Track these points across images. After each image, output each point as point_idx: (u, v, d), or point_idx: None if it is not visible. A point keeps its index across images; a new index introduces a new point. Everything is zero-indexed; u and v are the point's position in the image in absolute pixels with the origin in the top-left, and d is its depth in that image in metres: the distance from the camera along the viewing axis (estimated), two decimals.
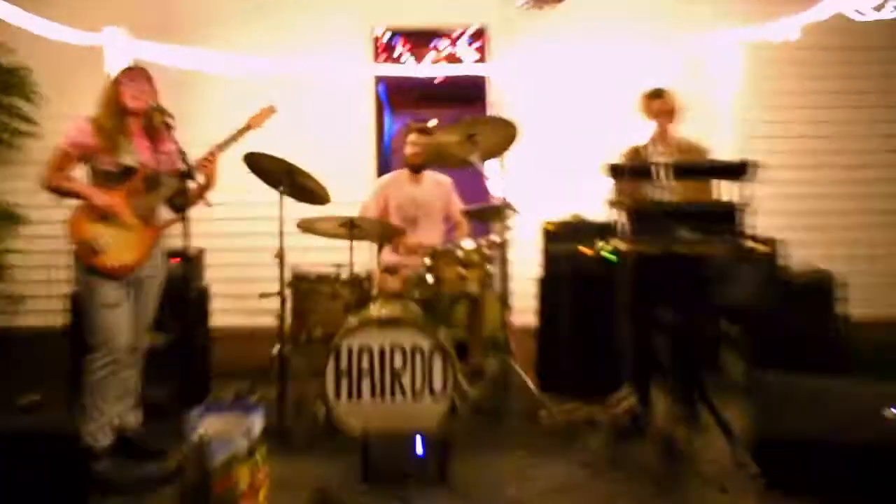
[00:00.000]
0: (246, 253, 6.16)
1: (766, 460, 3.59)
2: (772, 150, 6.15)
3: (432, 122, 7.49)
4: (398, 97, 11.36)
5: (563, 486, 3.68)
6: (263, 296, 4.78)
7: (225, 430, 3.21)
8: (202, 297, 5.38)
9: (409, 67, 6.92)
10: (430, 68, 6.85)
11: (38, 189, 3.99)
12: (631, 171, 3.94)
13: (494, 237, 4.65)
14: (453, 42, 8.36)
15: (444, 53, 7.95)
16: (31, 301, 6.34)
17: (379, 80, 7.05)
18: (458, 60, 6.98)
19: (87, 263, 3.96)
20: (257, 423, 3.31)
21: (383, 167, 7.15)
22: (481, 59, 6.81)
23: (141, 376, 4.28)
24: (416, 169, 5.35)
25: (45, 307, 6.09)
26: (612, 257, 3.90)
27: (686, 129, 4.65)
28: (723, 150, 5.53)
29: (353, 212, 5.27)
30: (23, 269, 6.36)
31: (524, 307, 5.41)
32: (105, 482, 3.81)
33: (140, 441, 4.17)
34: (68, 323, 4.94)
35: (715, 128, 5.79)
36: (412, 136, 5.35)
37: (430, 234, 5.30)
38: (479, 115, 6.55)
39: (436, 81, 7.04)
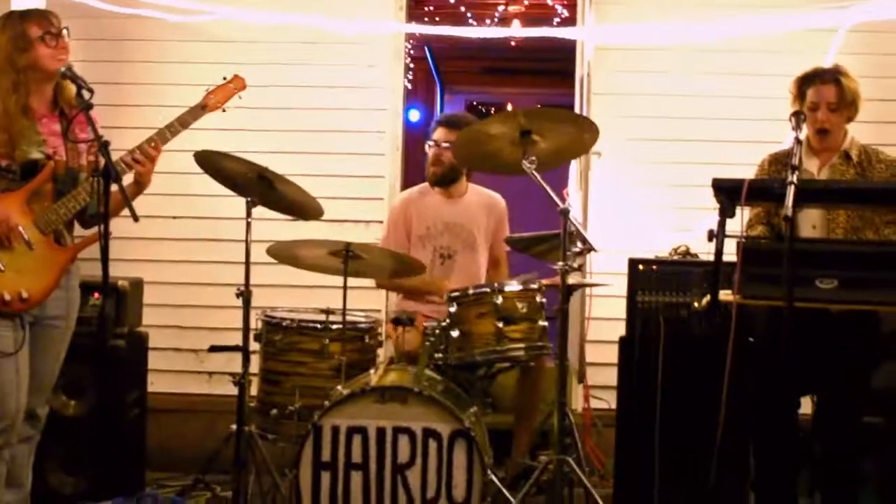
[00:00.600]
0: (198, 289, 6.34)
1: None
2: None
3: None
4: (455, 69, 11.53)
5: None
6: (215, 350, 4.95)
7: None
8: (135, 350, 5.52)
9: (453, 28, 7.00)
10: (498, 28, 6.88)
11: None
12: (752, 192, 3.98)
13: (555, 279, 4.64)
14: None
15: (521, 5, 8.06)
16: None
17: (422, 41, 7.12)
18: (547, 16, 7.01)
19: None
20: None
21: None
22: (572, 17, 6.87)
23: (38, 457, 4.40)
24: (441, 180, 5.51)
25: None
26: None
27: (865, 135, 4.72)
28: None
29: (361, 238, 5.47)
30: None
31: (599, 381, 5.55)
32: None
33: None
34: None
35: None
36: (438, 133, 5.43)
37: (465, 273, 5.45)
38: (558, 103, 6.59)
39: (512, 44, 7.08)
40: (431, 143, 5.46)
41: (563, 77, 7.59)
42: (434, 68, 11.03)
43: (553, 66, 8.78)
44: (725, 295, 3.93)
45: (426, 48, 9.50)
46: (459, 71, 11.52)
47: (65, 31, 4.18)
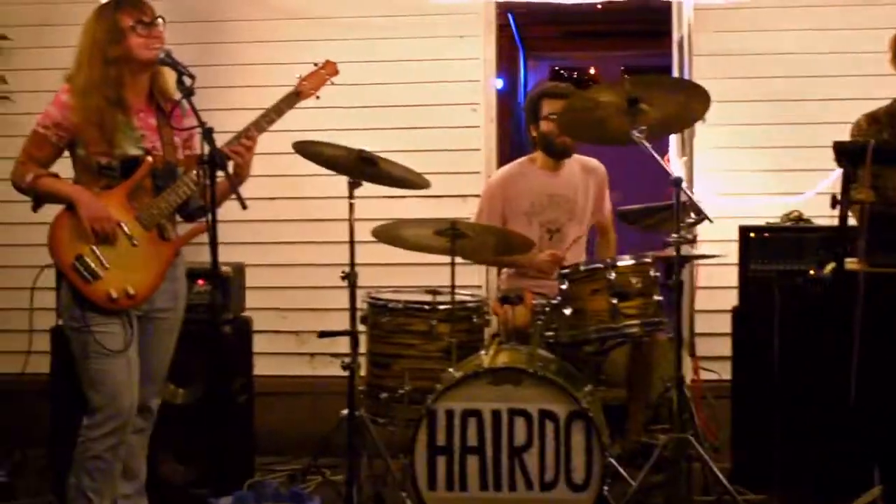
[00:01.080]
0: (303, 270, 6.40)
1: None
2: None
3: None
4: (538, 34, 11.47)
5: None
6: (325, 335, 4.94)
7: None
8: (242, 335, 5.60)
9: None
10: None
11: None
12: (877, 154, 3.88)
13: (669, 252, 4.64)
14: None
15: None
16: (5, 338, 6.45)
17: (506, 8, 7.09)
18: None
19: (76, 292, 4.11)
20: None
21: (516, 143, 7.19)
22: None
23: (151, 448, 4.47)
24: (556, 151, 5.42)
25: (26, 346, 6.00)
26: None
27: None
28: None
29: (464, 212, 5.46)
30: None
31: (715, 355, 5.51)
32: None
33: None
34: (54, 373, 5.16)
35: None
36: (547, 105, 5.37)
37: (578, 248, 5.44)
38: (646, 66, 6.54)
39: (598, 7, 6.99)
40: (546, 115, 5.39)
41: (652, 38, 7.52)
42: (517, 35, 10.99)
43: (639, 27, 8.70)
44: (851, 263, 3.83)
45: (509, 14, 9.43)
46: (542, 37, 11.47)
47: (159, 21, 4.17)
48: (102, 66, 4.11)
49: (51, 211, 4.16)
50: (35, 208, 4.20)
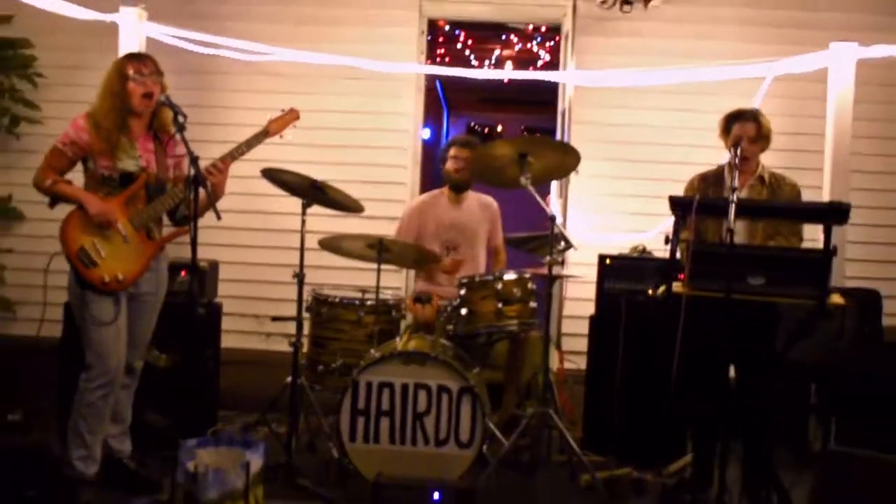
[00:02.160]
0: (263, 269, 6.40)
1: None
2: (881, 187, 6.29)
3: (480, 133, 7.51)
4: (458, 98, 11.55)
5: None
6: (277, 319, 4.99)
7: (221, 464, 3.36)
8: (213, 316, 5.55)
9: (462, 69, 6.97)
10: (494, 71, 6.89)
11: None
12: (701, 207, 3.99)
13: (542, 270, 4.72)
14: (524, 39, 8.51)
15: (513, 51, 8.05)
16: (25, 308, 6.43)
17: (434, 77, 7.10)
18: (532, 59, 7.03)
19: (78, 276, 4.10)
20: (257, 460, 3.44)
21: (436, 177, 7.28)
22: (553, 61, 6.86)
23: (136, 399, 4.48)
24: (459, 188, 5.43)
25: (40, 315, 5.99)
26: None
27: (775, 163, 4.75)
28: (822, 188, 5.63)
29: (391, 230, 5.47)
30: (17, 272, 6.48)
31: (576, 350, 5.56)
32: None
33: (135, 470, 4.37)
34: (61, 337, 5.12)
35: (810, 162, 5.80)
36: (453, 150, 5.39)
37: (471, 264, 5.39)
38: (539, 126, 6.65)
39: (505, 81, 7.08)
40: (451, 156, 5.39)
41: (545, 106, 7.62)
42: (442, 97, 11.06)
43: (536, 97, 8.81)
44: (678, 287, 3.95)
45: (437, 81, 9.50)
46: (462, 100, 11.56)
47: (148, 74, 4.14)
48: (111, 101, 4.12)
49: (61, 212, 4.16)
50: (51, 206, 4.18)
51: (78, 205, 4.10)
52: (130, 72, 4.10)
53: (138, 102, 4.12)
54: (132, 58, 4.26)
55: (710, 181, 4.61)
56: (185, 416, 4.92)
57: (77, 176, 4.24)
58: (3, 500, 3.54)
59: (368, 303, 4.94)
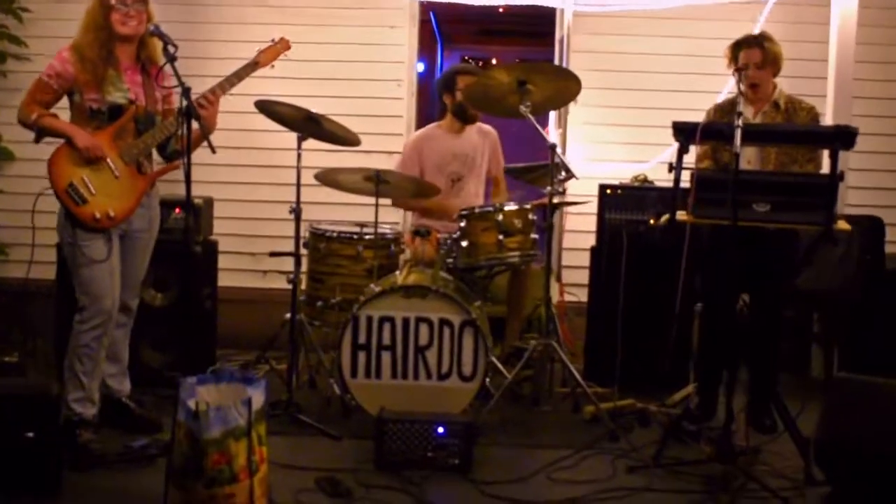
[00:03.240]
0: (259, 206, 6.33)
1: (836, 473, 3.65)
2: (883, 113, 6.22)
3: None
4: (453, 30, 11.45)
5: (602, 489, 3.73)
6: (274, 255, 4.98)
7: (222, 402, 3.32)
8: (209, 254, 5.53)
9: None
10: None
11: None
12: (704, 133, 3.94)
13: (544, 200, 4.70)
14: None
15: None
16: (16, 250, 6.46)
17: (428, 7, 6.98)
18: None
19: (68, 214, 4.09)
20: (259, 396, 3.41)
21: (432, 109, 7.16)
22: None
23: (133, 339, 4.48)
24: (463, 117, 5.35)
25: (27, 257, 6.23)
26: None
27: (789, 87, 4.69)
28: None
29: (389, 164, 5.44)
30: (7, 214, 6.47)
31: (577, 282, 5.56)
32: (88, 454, 3.98)
33: (132, 410, 4.40)
34: (54, 278, 5.11)
35: (812, 89, 5.72)
36: (464, 79, 5.31)
37: (469, 194, 5.39)
38: (536, 58, 6.57)
39: (500, 10, 6.95)
40: (460, 87, 5.32)
41: (542, 37, 7.53)
42: (436, 29, 10.97)
43: (532, 28, 8.70)
44: (681, 215, 3.93)
45: (431, 13, 9.39)
46: (456, 32, 11.45)
47: (132, 3, 4.11)
48: (94, 32, 4.10)
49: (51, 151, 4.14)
50: (37, 140, 4.15)
51: (65, 139, 4.06)
52: (113, 1, 4.06)
53: (119, 27, 4.10)
54: None
55: (726, 109, 4.59)
56: (183, 355, 5.03)
57: (63, 112, 4.19)
58: (2, 442, 3.54)
59: (367, 237, 4.93)
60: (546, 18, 6.73)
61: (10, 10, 6.36)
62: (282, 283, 5.08)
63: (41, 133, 4.11)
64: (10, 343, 5.49)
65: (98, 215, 4.07)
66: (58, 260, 4.99)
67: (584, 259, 5.47)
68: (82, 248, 4.09)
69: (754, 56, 4.46)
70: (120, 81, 4.14)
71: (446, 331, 4.34)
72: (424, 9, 7.03)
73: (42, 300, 5.45)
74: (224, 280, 5.78)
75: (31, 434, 3.57)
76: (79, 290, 4.15)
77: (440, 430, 3.93)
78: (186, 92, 3.81)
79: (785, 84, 4.67)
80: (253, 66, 4.35)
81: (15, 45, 6.45)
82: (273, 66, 4.44)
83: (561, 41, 6.41)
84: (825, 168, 4.10)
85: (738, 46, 4.52)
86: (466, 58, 12.18)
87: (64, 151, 4.07)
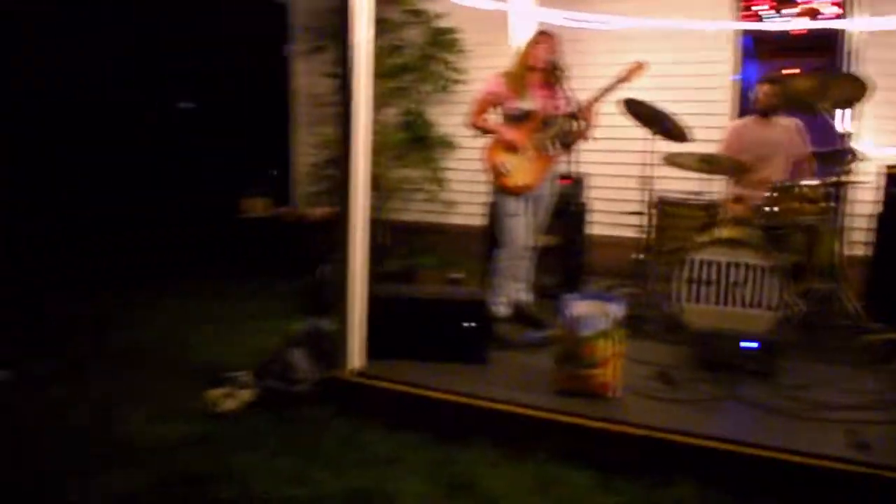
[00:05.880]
0: (620, 178, 6.50)
1: None
2: None
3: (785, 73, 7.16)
4: (762, 48, 10.92)
5: (870, 401, 3.60)
6: (633, 214, 5.35)
7: (593, 312, 3.53)
8: (583, 211, 5.83)
9: (764, 23, 6.76)
10: (786, 22, 6.62)
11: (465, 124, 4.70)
12: None
13: (838, 177, 4.68)
14: None
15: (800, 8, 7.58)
16: (460, 206, 7.32)
17: (744, 33, 6.92)
18: (817, 13, 6.71)
19: (497, 183, 4.59)
20: (618, 310, 3.58)
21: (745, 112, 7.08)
22: (841, 12, 6.43)
23: (534, 267, 4.91)
24: (765, 113, 5.41)
25: (469, 211, 6.94)
26: None
27: None
28: None
29: (711, 150, 5.50)
30: (455, 182, 7.35)
31: (861, 241, 5.43)
32: (503, 340, 4.33)
33: (532, 313, 4.79)
34: (485, 224, 5.53)
35: None
36: (764, 87, 5.42)
37: (776, 171, 5.30)
38: (832, 68, 6.33)
39: (790, 33, 6.81)
40: (762, 92, 5.37)
41: (819, 51, 7.14)
42: (748, 47, 10.50)
43: (812, 44, 8.21)
44: None
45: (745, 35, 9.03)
46: (760, 49, 10.90)
47: (543, 41, 4.47)
48: (520, 60, 4.51)
49: (478, 143, 4.56)
50: (483, 136, 4.58)
51: (496, 135, 4.55)
52: (538, 42, 4.52)
53: (535, 62, 4.50)
54: (540, 33, 4.67)
55: None
56: (566, 279, 5.49)
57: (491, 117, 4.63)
58: (451, 329, 3.91)
59: (698, 202, 5.14)
60: (824, 38, 6.52)
61: (454, 51, 7.23)
62: (631, 233, 5.37)
63: (484, 132, 4.61)
64: (457, 265, 6.01)
65: (517, 185, 4.57)
66: (488, 214, 5.38)
67: (866, 224, 5.29)
68: (505, 206, 4.60)
69: None
70: (531, 95, 4.56)
71: (757, 272, 4.30)
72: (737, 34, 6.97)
73: (476, 238, 5.89)
74: (593, 230, 6.10)
75: (469, 324, 3.94)
76: (499, 233, 4.68)
77: (749, 343, 3.92)
78: (573, 101, 4.32)
79: None
80: (618, 82, 4.58)
81: (457, 74, 7.27)
82: (632, 81, 4.63)
83: (848, 54, 6.25)
84: None
85: None
86: (764, 75, 11.52)
87: (494, 143, 4.56)
